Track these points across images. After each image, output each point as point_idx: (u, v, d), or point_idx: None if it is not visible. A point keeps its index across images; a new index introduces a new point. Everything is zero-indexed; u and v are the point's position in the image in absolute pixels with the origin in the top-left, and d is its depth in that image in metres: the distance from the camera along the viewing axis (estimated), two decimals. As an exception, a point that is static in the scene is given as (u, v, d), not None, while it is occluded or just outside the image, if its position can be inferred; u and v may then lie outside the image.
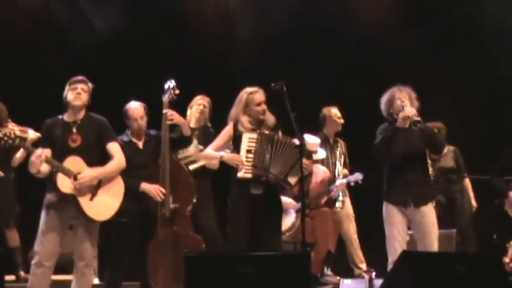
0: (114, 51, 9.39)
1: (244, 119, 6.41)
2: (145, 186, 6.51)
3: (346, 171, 8.40)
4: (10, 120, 7.39)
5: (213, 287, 4.65)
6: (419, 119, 6.36)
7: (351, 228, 8.44)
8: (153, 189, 6.48)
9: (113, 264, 6.63)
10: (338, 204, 8.32)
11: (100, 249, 7.60)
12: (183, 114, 6.85)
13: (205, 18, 9.89)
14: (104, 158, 6.10)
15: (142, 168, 6.57)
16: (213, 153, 6.48)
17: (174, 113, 6.59)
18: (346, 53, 9.65)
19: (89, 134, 6.06)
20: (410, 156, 6.49)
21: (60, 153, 5.96)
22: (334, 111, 8.41)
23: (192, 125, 7.38)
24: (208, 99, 7.55)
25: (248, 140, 6.32)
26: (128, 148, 6.52)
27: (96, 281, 7.72)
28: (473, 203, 9.06)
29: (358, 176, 8.11)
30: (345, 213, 8.41)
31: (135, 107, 6.69)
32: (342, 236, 8.32)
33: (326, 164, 8.31)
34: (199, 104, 7.49)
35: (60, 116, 6.13)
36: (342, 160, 8.45)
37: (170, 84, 6.61)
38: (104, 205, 6.02)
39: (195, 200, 6.65)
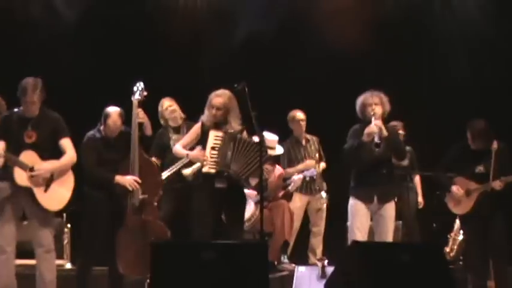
0: (87, 52, 9.55)
1: (205, 114, 6.78)
2: (119, 178, 6.73)
3: (323, 164, 8.71)
4: None
5: (176, 271, 4.82)
6: (379, 142, 6.69)
7: (323, 221, 8.75)
8: (127, 182, 6.71)
9: (84, 250, 6.88)
10: (324, 195, 8.65)
11: (72, 236, 7.94)
12: (149, 114, 7.14)
13: (174, 22, 10.08)
14: (56, 152, 6.37)
15: (113, 162, 6.79)
16: (182, 150, 6.83)
17: (143, 112, 6.91)
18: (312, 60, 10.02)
19: (44, 130, 6.33)
20: (377, 162, 6.86)
21: (15, 147, 6.24)
22: (296, 114, 8.72)
23: (174, 125, 7.81)
24: (169, 98, 7.89)
25: (214, 137, 6.66)
26: (100, 143, 6.82)
27: (68, 265, 8.02)
28: (420, 199, 9.30)
29: (313, 172, 8.47)
30: (321, 206, 8.73)
31: (114, 120, 6.82)
32: (310, 226, 8.68)
33: (302, 162, 8.61)
34: (166, 108, 7.85)
35: (16, 110, 6.37)
36: (317, 156, 8.69)
37: (139, 86, 6.92)
38: (57, 196, 6.35)
39: (161, 192, 6.96)
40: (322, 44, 10.06)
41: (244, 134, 6.86)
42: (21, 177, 6.18)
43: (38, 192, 6.24)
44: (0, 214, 6.28)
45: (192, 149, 6.89)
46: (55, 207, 6.38)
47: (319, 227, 8.74)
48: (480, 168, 7.27)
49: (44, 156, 6.30)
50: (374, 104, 6.88)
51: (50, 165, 6.30)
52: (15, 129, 6.27)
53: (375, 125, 6.76)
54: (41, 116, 6.36)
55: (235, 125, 6.77)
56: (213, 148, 6.66)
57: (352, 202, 7.01)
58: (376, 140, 6.73)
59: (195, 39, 10.07)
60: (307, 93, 9.58)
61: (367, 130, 6.77)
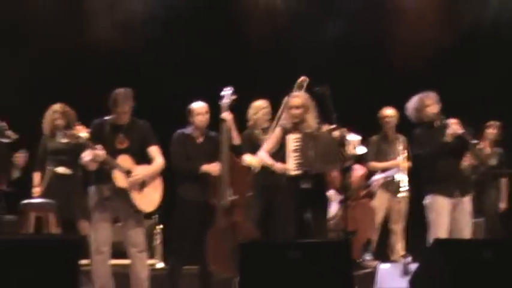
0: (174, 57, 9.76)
1: (283, 117, 6.97)
2: (205, 167, 6.92)
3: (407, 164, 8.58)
4: (79, 123, 7.80)
5: (264, 271, 4.98)
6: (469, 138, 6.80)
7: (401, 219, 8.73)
8: (213, 168, 6.91)
9: (176, 250, 7.09)
10: (404, 194, 8.58)
11: (164, 236, 8.16)
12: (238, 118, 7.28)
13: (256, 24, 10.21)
14: (144, 157, 6.66)
15: (197, 162, 6.95)
16: (267, 159, 6.93)
17: (232, 120, 7.04)
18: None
19: (135, 137, 6.61)
20: (453, 156, 6.94)
21: (108, 153, 6.47)
22: (385, 111, 8.75)
23: (263, 126, 7.76)
24: (266, 100, 7.86)
25: (293, 140, 6.80)
26: (187, 140, 7.06)
27: (160, 265, 8.29)
28: (503, 204, 9.25)
29: (394, 172, 8.52)
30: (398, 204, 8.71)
31: (200, 105, 7.06)
32: (388, 224, 8.70)
33: (388, 160, 8.66)
34: (263, 108, 7.77)
35: (106, 118, 6.62)
36: (405, 155, 8.62)
37: (228, 90, 7.11)
38: (150, 199, 6.64)
39: (250, 193, 7.12)
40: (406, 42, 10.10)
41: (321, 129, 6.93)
42: (120, 179, 6.48)
43: (134, 194, 6.53)
44: (97, 215, 6.58)
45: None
46: (148, 208, 6.67)
47: (397, 225, 8.74)
48: None
49: (136, 161, 6.58)
50: (433, 106, 7.00)
51: (146, 170, 6.58)
52: (107, 135, 6.56)
53: (455, 124, 6.84)
54: (131, 123, 6.65)
55: (312, 123, 6.87)
56: (294, 151, 6.78)
57: (433, 198, 7.02)
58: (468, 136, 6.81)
59: (275, 41, 10.15)
60: (396, 91, 9.57)
61: (450, 131, 6.84)
